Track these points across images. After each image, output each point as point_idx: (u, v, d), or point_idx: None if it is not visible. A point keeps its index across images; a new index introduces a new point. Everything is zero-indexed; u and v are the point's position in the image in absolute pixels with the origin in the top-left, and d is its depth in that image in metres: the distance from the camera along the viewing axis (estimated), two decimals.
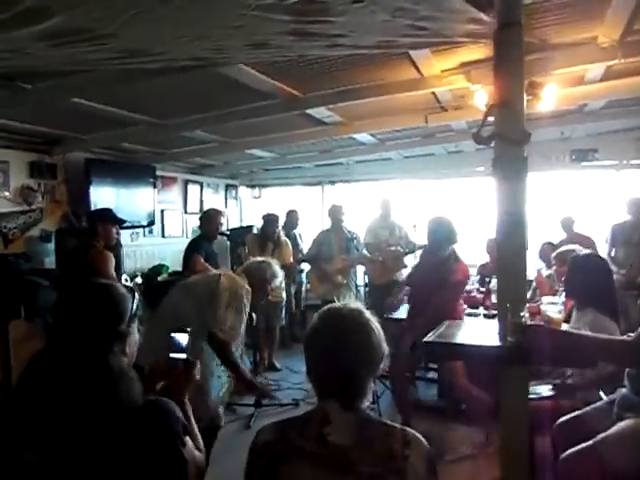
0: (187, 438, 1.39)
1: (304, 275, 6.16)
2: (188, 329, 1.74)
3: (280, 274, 3.15)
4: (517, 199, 2.04)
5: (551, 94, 3.40)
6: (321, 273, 5.45)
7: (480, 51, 3.07)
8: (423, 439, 1.28)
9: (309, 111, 4.28)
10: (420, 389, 4.72)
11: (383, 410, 3.96)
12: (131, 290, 1.48)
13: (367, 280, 5.98)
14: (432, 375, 4.79)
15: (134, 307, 1.45)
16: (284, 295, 5.42)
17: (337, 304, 1.40)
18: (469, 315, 4.18)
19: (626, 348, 1.73)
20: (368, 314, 1.35)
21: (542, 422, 2.39)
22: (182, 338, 1.69)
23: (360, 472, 1.18)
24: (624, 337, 1.99)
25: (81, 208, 5.02)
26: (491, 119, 2.17)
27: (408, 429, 1.28)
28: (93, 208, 4.84)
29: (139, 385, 1.35)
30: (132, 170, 5.72)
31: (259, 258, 3.27)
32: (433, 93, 4.02)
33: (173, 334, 1.69)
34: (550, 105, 3.59)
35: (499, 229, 2.07)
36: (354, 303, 1.38)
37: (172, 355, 1.66)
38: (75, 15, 1.81)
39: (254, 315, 4.19)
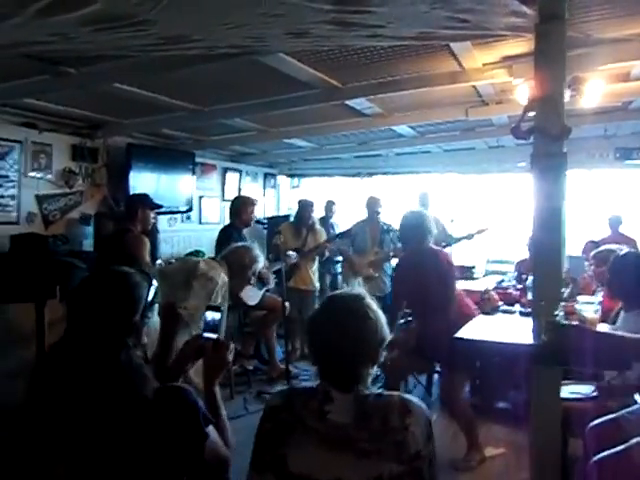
0: (210, 428, 1.36)
1: (339, 266, 6.16)
2: (221, 307, 1.70)
3: (261, 259, 3.03)
4: (555, 195, 2.00)
5: (595, 90, 3.29)
6: (352, 265, 5.45)
7: (523, 45, 2.99)
8: (423, 405, 1.31)
9: (348, 102, 4.27)
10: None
11: None
12: (147, 276, 1.44)
13: None
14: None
15: (150, 294, 1.40)
16: (317, 285, 5.45)
17: (340, 291, 1.43)
18: (505, 312, 4.12)
19: None
20: (369, 300, 1.36)
21: (576, 424, 2.35)
22: (215, 316, 1.64)
23: (360, 449, 1.20)
24: None
25: (120, 192, 5.12)
26: (532, 114, 2.13)
27: (408, 397, 1.31)
28: (132, 193, 4.95)
29: (152, 381, 1.33)
30: (172, 156, 5.80)
31: (239, 243, 3.18)
32: (474, 86, 3.95)
33: (206, 312, 1.65)
34: (594, 101, 3.48)
35: (536, 225, 2.03)
36: (358, 289, 1.39)
37: (205, 334, 1.61)
38: (116, 1, 1.85)
39: (287, 304, 4.26)
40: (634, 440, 1.69)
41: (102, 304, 1.32)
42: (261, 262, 3.06)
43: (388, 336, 1.36)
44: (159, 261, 4.18)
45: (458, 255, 5.96)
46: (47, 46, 2.47)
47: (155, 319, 1.45)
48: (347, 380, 1.29)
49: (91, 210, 5.05)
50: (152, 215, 3.71)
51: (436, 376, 4.20)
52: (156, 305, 1.46)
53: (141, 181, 5.25)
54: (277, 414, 1.30)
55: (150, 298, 1.41)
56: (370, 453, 1.19)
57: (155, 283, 1.44)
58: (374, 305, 1.36)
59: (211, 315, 1.65)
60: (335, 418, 1.24)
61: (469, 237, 5.46)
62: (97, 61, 3.07)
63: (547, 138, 2.01)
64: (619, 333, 1.88)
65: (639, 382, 2.21)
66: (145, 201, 3.74)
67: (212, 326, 1.62)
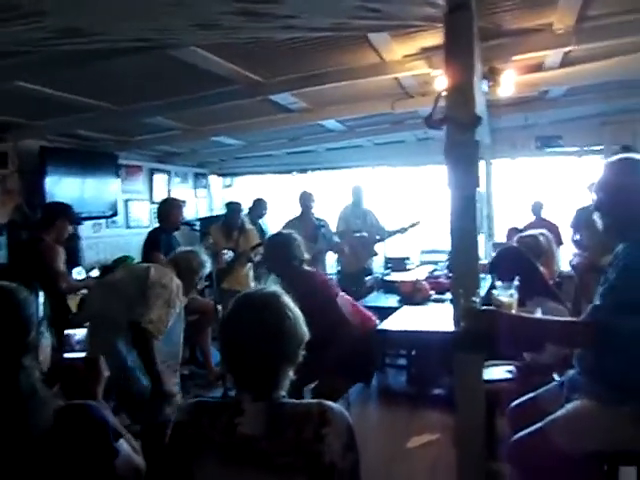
0: (121, 442, 1.28)
1: None
2: (86, 324, 1.61)
3: (209, 264, 3.03)
4: (469, 183, 2.02)
5: (509, 80, 3.40)
6: None
7: (440, 36, 3.03)
8: (345, 413, 1.23)
9: (273, 97, 4.22)
10: (389, 376, 4.73)
11: (352, 399, 3.97)
12: (33, 289, 1.34)
13: (339, 268, 5.95)
14: (402, 362, 4.81)
15: (40, 308, 1.32)
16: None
17: (252, 289, 1.35)
18: (435, 301, 4.22)
19: (575, 329, 1.74)
20: (285, 299, 1.29)
21: (500, 405, 2.41)
22: (79, 334, 1.57)
23: (270, 463, 1.14)
24: (573, 318, 2.02)
25: (36, 199, 4.82)
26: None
27: (328, 404, 1.22)
28: (49, 198, 4.68)
29: (52, 402, 1.23)
30: (92, 158, 5.54)
31: (187, 248, 3.16)
32: (397, 79, 4.00)
33: (67, 331, 1.55)
34: (510, 91, 3.61)
35: (452, 214, 2.06)
36: (272, 287, 1.32)
37: (67, 355, 1.52)
38: None
39: (219, 307, 4.15)
40: (549, 418, 1.75)
41: None
42: (208, 267, 3.03)
43: (307, 336, 1.29)
44: (78, 269, 3.96)
45: (392, 246, 6.05)
46: None
47: (47, 338, 1.33)
48: (264, 385, 1.22)
49: (3, 219, 4.73)
50: (68, 227, 3.53)
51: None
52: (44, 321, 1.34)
53: (59, 186, 4.98)
54: (183, 430, 1.22)
55: (41, 311, 1.31)
56: (280, 467, 1.13)
57: (41, 294, 1.34)
58: (291, 303, 1.29)
59: (75, 333, 1.58)
60: (245, 430, 1.16)
61: (402, 231, 5.54)
62: None
63: (459, 127, 2.04)
64: (534, 316, 1.93)
65: (552, 361, 2.30)
66: (65, 213, 3.58)
67: (75, 345, 1.55)
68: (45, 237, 3.40)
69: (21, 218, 4.80)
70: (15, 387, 1.18)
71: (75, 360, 1.50)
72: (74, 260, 3.83)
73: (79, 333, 1.57)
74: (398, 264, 5.64)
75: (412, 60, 3.50)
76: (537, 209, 5.81)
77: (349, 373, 2.85)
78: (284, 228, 5.49)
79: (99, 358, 1.48)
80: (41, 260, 3.17)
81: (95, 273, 4.88)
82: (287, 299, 1.30)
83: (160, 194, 6.66)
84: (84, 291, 3.43)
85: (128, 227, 6.34)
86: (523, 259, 2.76)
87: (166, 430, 1.35)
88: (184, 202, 4.70)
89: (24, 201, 4.89)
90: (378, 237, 5.60)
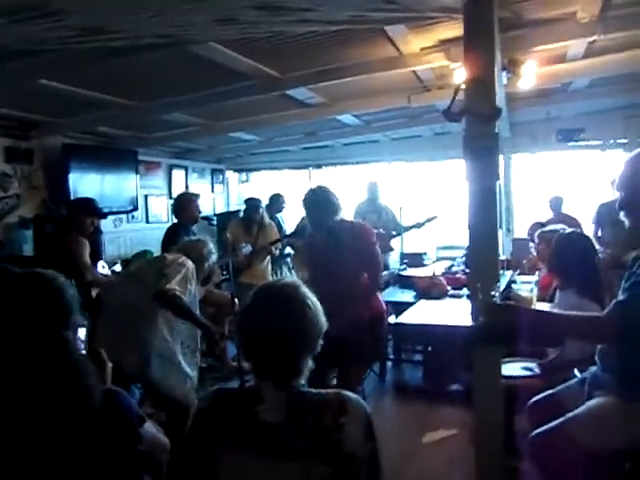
0: (146, 426, 1.37)
1: (289, 259, 6.11)
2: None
3: (215, 252, 3.13)
4: (488, 176, 2.00)
5: (531, 71, 3.34)
6: (303, 258, 5.40)
7: (459, 28, 2.98)
8: (363, 403, 1.24)
9: (290, 92, 4.21)
10: (406, 372, 4.71)
11: (368, 393, 3.96)
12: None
13: None
14: (418, 357, 4.79)
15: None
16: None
17: (272, 281, 1.36)
18: (452, 296, 4.18)
19: (598, 324, 1.70)
20: (304, 290, 1.30)
21: (519, 401, 2.39)
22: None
23: (290, 449, 1.15)
24: (596, 314, 1.97)
25: (59, 194, 4.93)
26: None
27: (347, 394, 1.24)
28: (72, 194, 4.80)
29: (99, 384, 1.32)
30: (112, 155, 5.62)
31: (194, 237, 3.26)
32: (414, 72, 3.96)
33: None
34: (531, 83, 3.54)
35: (471, 207, 2.03)
36: (290, 279, 1.33)
37: None
38: None
39: (236, 300, 4.19)
40: (570, 414, 1.72)
41: (34, 306, 1.30)
42: (215, 256, 3.13)
43: (325, 325, 1.30)
44: (101, 263, 4.02)
45: (409, 242, 6.02)
46: None
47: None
48: (285, 374, 1.23)
49: (30, 214, 4.84)
50: (90, 221, 3.60)
51: (390, 363, 4.23)
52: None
53: (81, 182, 5.07)
54: (205, 418, 1.25)
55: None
56: (300, 455, 1.14)
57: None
58: (310, 293, 1.31)
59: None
60: (265, 418, 1.18)
61: (418, 226, 5.50)
62: (19, 56, 2.90)
63: (478, 119, 2.01)
64: (553, 311, 1.90)
65: (576, 357, 2.26)
66: (91, 207, 3.64)
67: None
68: (71, 230, 3.47)
69: (46, 213, 4.91)
70: (66, 357, 1.25)
71: None
72: (97, 254, 3.90)
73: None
74: (414, 259, 5.59)
75: (430, 52, 3.46)
76: (557, 204, 5.70)
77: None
78: (299, 224, 5.51)
79: (100, 351, 1.58)
80: (68, 253, 3.23)
81: (118, 268, 4.97)
82: (305, 289, 1.31)
83: (178, 190, 6.71)
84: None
85: (147, 222, 6.42)
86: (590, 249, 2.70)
87: (189, 415, 1.40)
88: (198, 195, 4.72)
89: (49, 197, 5.00)
90: (394, 232, 5.57)
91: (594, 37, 3.10)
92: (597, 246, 5.03)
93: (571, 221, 5.03)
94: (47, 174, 5.03)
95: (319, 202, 2.85)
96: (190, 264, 2.80)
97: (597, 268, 2.63)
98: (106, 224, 5.58)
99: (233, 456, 1.18)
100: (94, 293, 3.36)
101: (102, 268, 3.87)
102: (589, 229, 5.24)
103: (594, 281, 2.54)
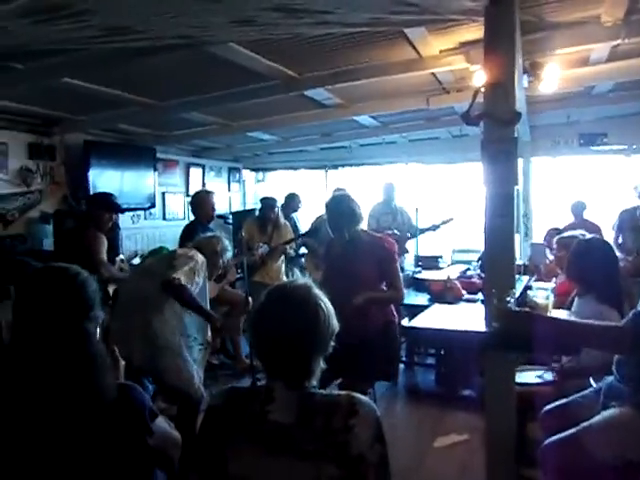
0: (158, 421, 1.39)
1: (303, 260, 6.11)
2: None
3: (230, 249, 3.18)
4: (507, 180, 1.99)
5: (553, 75, 3.29)
6: (316, 259, 5.40)
7: (479, 30, 2.96)
8: (373, 406, 1.24)
9: (308, 93, 4.21)
10: (418, 375, 4.69)
11: (379, 395, 3.95)
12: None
13: None
14: (430, 361, 4.76)
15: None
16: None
17: (285, 282, 1.37)
18: (467, 301, 4.15)
19: (615, 334, 1.67)
20: (317, 291, 1.30)
21: (532, 408, 2.36)
22: None
23: (300, 450, 1.15)
24: (614, 323, 1.94)
25: (80, 190, 5.01)
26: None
27: (358, 397, 1.24)
28: (92, 190, 4.85)
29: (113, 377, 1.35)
30: (132, 152, 5.68)
31: (209, 233, 3.31)
32: (433, 74, 3.93)
33: None
34: (552, 86, 3.49)
35: (488, 211, 2.02)
36: (302, 280, 1.33)
37: None
38: None
39: (250, 299, 4.21)
40: (584, 424, 1.70)
41: (56, 299, 1.32)
42: (230, 253, 3.19)
43: (337, 327, 1.30)
44: (120, 257, 4.08)
45: (424, 245, 5.98)
46: None
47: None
48: (296, 375, 1.24)
49: (51, 209, 4.92)
50: (108, 216, 3.64)
51: (402, 366, 4.21)
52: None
53: (101, 178, 5.14)
54: (216, 415, 1.26)
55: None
56: (309, 455, 1.14)
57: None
58: (322, 295, 1.31)
59: None
60: (276, 418, 1.19)
61: (434, 228, 5.46)
62: (44, 55, 2.96)
63: (497, 123, 2.00)
64: (569, 319, 1.88)
65: (593, 364, 2.23)
66: (108, 204, 3.68)
67: None
68: (90, 225, 3.52)
69: (67, 208, 4.99)
70: (86, 348, 1.28)
71: None
72: (115, 249, 3.96)
73: None
74: (429, 262, 5.56)
75: (450, 55, 3.43)
76: (578, 209, 5.59)
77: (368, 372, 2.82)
78: (313, 225, 5.51)
79: (114, 348, 1.59)
80: (85, 248, 3.27)
81: (136, 261, 5.04)
82: (318, 291, 1.31)
83: (195, 188, 6.75)
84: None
85: (165, 219, 6.48)
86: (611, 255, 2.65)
87: (198, 410, 1.41)
88: (213, 192, 4.76)
89: (70, 192, 5.09)
90: (409, 235, 5.54)
91: (618, 41, 3.05)
92: (618, 253, 4.99)
93: (592, 227, 4.93)
94: (68, 170, 5.11)
95: (342, 211, 2.85)
96: (200, 258, 2.85)
97: (617, 274, 2.59)
98: (124, 220, 5.65)
99: (243, 454, 1.19)
100: (110, 289, 3.41)
101: (121, 262, 3.91)
102: (609, 236, 5.15)
103: (614, 287, 2.50)
